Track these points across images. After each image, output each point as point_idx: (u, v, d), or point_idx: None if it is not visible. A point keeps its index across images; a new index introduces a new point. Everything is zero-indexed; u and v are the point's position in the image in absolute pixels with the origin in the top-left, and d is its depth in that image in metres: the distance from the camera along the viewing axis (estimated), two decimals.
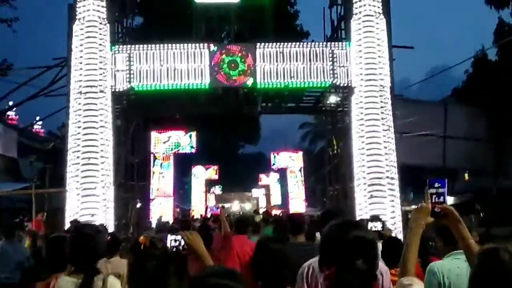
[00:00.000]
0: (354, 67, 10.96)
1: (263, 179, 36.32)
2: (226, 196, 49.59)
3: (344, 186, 12.39)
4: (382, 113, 10.79)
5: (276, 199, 34.04)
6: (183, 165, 29.25)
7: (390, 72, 11.02)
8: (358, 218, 10.34)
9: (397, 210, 10.67)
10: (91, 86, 10.43)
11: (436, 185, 2.35)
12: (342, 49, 11.07)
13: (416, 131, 15.50)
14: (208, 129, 26.96)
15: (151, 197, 19.59)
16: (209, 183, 35.11)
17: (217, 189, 43.45)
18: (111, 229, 10.32)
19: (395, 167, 10.76)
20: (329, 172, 14.00)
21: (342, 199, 12.58)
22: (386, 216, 10.48)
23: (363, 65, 10.85)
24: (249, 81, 10.85)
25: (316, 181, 26.96)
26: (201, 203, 30.89)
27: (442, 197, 2.35)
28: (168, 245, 2.92)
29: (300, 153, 26.34)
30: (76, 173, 10.25)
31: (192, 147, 20.34)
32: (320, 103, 13.81)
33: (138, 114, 14.03)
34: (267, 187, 37.69)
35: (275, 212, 28.12)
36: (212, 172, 31.34)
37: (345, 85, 11.05)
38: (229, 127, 28.43)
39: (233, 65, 10.83)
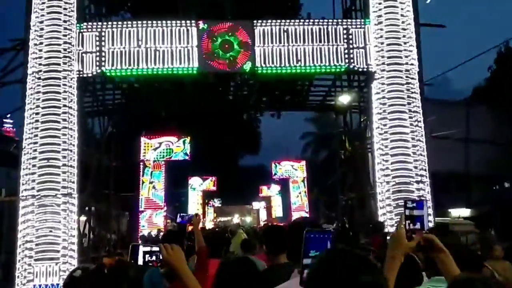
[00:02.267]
0: (374, 49, 8.83)
1: (264, 190, 34.06)
2: (225, 209, 47.29)
3: (361, 194, 10.16)
4: (409, 104, 8.63)
5: (277, 212, 31.77)
6: (178, 175, 27.12)
7: (418, 55, 8.88)
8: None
9: (430, 223, 8.44)
10: (52, 71, 8.28)
11: (410, 204, 1.87)
12: (359, 27, 8.94)
13: (435, 133, 13.38)
14: (204, 137, 24.83)
15: (140, 208, 17.35)
16: (207, 195, 32.87)
17: (216, 202, 41.16)
18: (74, 247, 8.12)
19: (425, 170, 8.57)
20: (341, 178, 11.76)
21: (358, 209, 10.34)
22: None
23: (384, 46, 8.70)
24: (247, 66, 8.70)
25: (321, 192, 24.70)
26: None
27: (418, 223, 1.88)
28: (141, 260, 2.44)
29: (303, 162, 24.07)
30: (32, 178, 8.06)
31: (186, 154, 18.10)
32: (328, 100, 11.64)
33: (114, 110, 11.86)
34: (268, 199, 35.46)
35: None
36: (210, 183, 29.12)
37: (363, 69, 8.89)
38: (227, 135, 26.33)
39: (226, 46, 8.70)
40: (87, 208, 9.94)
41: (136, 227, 17.29)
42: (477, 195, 20.21)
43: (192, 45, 8.67)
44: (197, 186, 28.46)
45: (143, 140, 17.81)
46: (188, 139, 18.18)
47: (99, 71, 8.56)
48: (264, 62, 8.69)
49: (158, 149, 17.86)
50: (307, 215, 22.67)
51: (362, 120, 10.64)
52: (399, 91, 8.61)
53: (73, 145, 8.27)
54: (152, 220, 17.26)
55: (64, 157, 8.13)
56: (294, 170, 23.62)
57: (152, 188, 17.62)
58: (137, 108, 13.33)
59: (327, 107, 12.39)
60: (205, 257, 4.19)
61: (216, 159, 30.26)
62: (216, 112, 21.66)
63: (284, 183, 27.69)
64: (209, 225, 35.95)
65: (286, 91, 11.73)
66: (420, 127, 8.65)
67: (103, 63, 8.54)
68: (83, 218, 17.69)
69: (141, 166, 17.66)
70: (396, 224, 8.01)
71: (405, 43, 8.74)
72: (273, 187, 32.39)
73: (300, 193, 23.14)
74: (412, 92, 8.68)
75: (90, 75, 8.59)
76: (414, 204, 1.91)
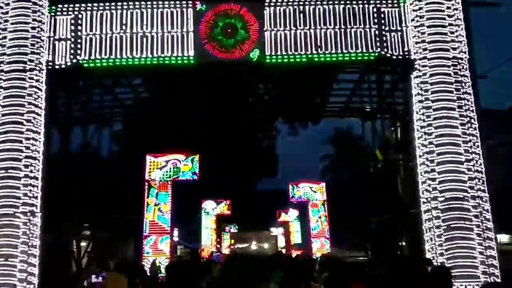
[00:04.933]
0: (412, 32, 6.99)
1: (282, 215, 31.95)
2: (242, 235, 45.19)
3: (398, 214, 8.15)
4: (459, 99, 6.72)
5: (296, 238, 29.56)
6: (190, 198, 25.36)
7: (468, 39, 7.00)
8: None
9: (491, 251, 6.40)
10: (17, 62, 6.68)
11: None
12: (393, 6, 7.13)
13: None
14: (218, 158, 23.10)
15: (145, 233, 15.50)
16: (222, 220, 30.91)
17: (232, 228, 39.05)
18: (34, 280, 6.29)
19: (483, 181, 6.58)
20: (372, 195, 9.74)
21: (395, 234, 8.30)
22: (475, 260, 6.29)
23: (425, 29, 6.86)
24: (254, 54, 6.94)
25: (343, 216, 22.51)
26: (213, 242, 26.70)
27: None
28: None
29: (323, 184, 22.01)
30: None
31: (194, 173, 16.29)
32: (354, 102, 9.72)
33: (103, 115, 10.14)
34: (286, 225, 33.29)
35: (297, 253, 23.78)
36: (224, 207, 27.26)
37: (399, 57, 7.03)
38: (242, 156, 24.58)
39: (229, 30, 6.97)
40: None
41: (141, 254, 15.44)
42: None
43: (187, 29, 6.97)
44: (211, 210, 26.63)
45: (149, 158, 16.12)
46: (197, 157, 16.38)
47: (74, 61, 6.89)
48: (275, 50, 6.91)
49: (165, 168, 16.12)
50: (328, 241, 20.49)
51: (394, 126, 8.70)
52: (446, 84, 6.72)
53: (38, 152, 6.55)
54: (157, 246, 15.38)
55: (26, 166, 6.42)
56: (313, 193, 21.60)
57: (157, 210, 15.82)
58: (134, 117, 11.62)
59: (352, 111, 10.41)
60: None
61: (231, 182, 28.52)
62: (230, 131, 19.98)
63: (302, 208, 25.66)
64: (225, 252, 33.82)
65: (304, 93, 9.86)
66: (474, 128, 6.71)
67: (79, 52, 6.88)
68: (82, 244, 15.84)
69: (146, 187, 15.93)
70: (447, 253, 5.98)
71: (451, 24, 6.88)
72: (291, 211, 30.32)
73: (320, 217, 21.03)
74: (462, 85, 6.77)
75: (63, 66, 6.91)
76: None
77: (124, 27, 6.93)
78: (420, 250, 6.65)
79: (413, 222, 7.19)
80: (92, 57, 6.87)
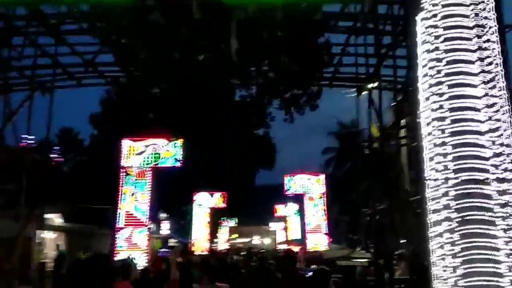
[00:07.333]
0: None
1: (279, 210, 30.33)
2: (243, 229, 43.69)
3: (399, 202, 6.41)
4: (480, 49, 4.98)
5: (293, 233, 27.91)
6: (184, 190, 23.87)
7: None
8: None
9: None
10: None
11: None
12: None
13: None
14: (211, 148, 21.47)
15: (118, 225, 13.91)
16: (218, 213, 29.25)
17: (231, 222, 37.45)
18: None
19: None
20: (369, 181, 7.96)
21: (393, 228, 6.55)
22: (499, 265, 4.56)
23: None
24: None
25: (342, 210, 20.84)
26: (205, 236, 25.07)
27: None
28: None
29: (322, 176, 20.28)
30: None
31: (177, 160, 14.63)
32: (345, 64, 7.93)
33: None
34: (285, 219, 31.67)
35: (295, 249, 22.20)
36: (219, 199, 25.62)
37: None
38: (237, 145, 22.95)
39: None
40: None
41: (112, 249, 13.83)
42: None
43: None
44: (204, 202, 24.99)
45: (126, 142, 14.50)
46: (180, 142, 14.72)
47: None
48: None
49: (143, 153, 14.49)
50: (326, 237, 18.75)
51: (394, 94, 6.94)
52: (464, 28, 4.97)
53: None
54: (132, 240, 13.76)
55: None
56: (311, 185, 19.86)
57: (134, 200, 14.20)
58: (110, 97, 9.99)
59: (344, 80, 8.49)
60: None
61: (227, 173, 26.83)
62: (221, 119, 18.37)
63: (301, 200, 24.01)
64: (223, 246, 32.32)
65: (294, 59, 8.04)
66: (501, 87, 4.95)
67: None
68: (50, 235, 14.26)
69: (122, 174, 14.30)
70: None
71: None
72: (290, 205, 28.66)
73: (317, 211, 19.32)
74: (485, 31, 5.02)
75: None
76: None
77: None
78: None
79: (415, 213, 5.41)
80: None
